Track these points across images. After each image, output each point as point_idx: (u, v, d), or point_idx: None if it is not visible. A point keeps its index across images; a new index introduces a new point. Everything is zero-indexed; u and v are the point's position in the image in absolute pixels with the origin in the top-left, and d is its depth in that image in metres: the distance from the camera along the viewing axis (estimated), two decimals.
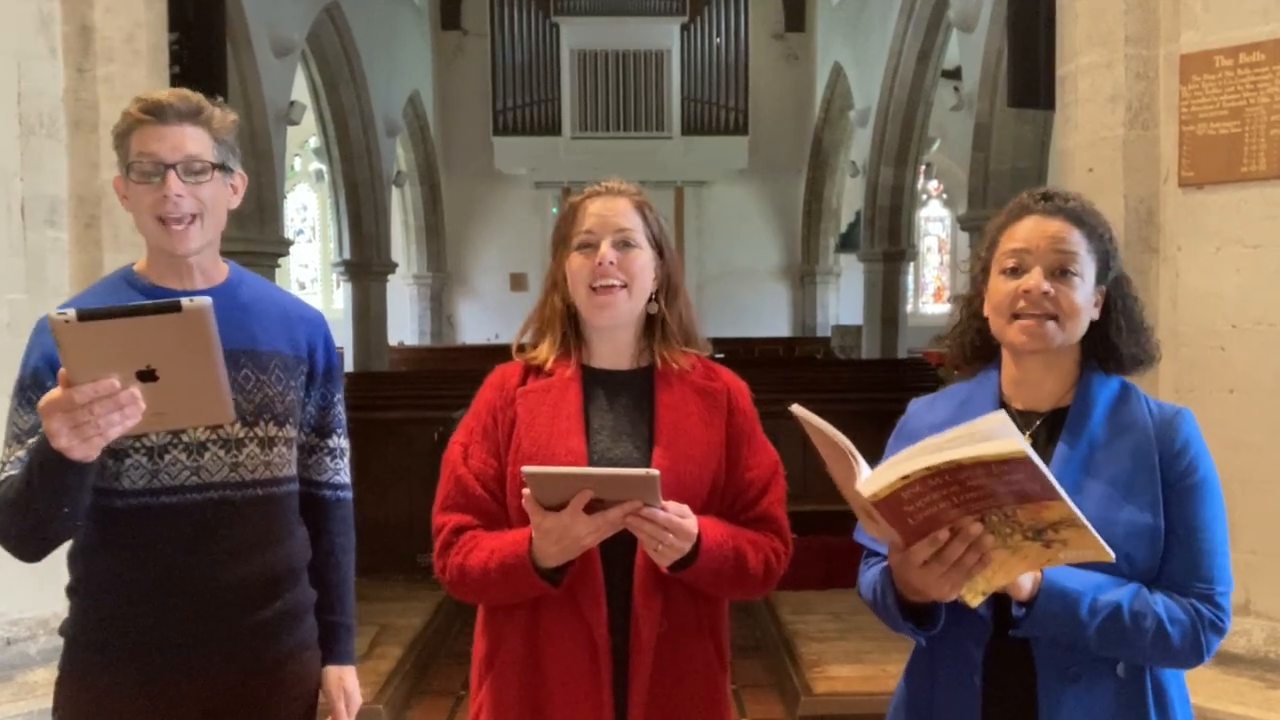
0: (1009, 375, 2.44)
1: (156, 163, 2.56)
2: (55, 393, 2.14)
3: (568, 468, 2.41)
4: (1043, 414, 2.39)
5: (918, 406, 2.60)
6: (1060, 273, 2.31)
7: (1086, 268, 2.32)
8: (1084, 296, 2.32)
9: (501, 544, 2.46)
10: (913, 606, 2.27)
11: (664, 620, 2.51)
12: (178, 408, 2.22)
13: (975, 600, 2.12)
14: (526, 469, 2.25)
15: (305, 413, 2.89)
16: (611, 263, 2.54)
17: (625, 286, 2.56)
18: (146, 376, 2.13)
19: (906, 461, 1.95)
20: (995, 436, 1.89)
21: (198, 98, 2.67)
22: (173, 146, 2.57)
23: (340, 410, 3.00)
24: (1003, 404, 2.42)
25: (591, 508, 2.27)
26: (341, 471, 3.01)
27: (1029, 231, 2.35)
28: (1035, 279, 2.30)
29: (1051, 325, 2.30)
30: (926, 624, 2.28)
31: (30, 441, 2.39)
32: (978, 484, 1.92)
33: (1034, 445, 2.28)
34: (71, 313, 2.05)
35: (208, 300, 2.10)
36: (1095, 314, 2.36)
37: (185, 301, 2.07)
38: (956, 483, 1.93)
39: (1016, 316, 2.32)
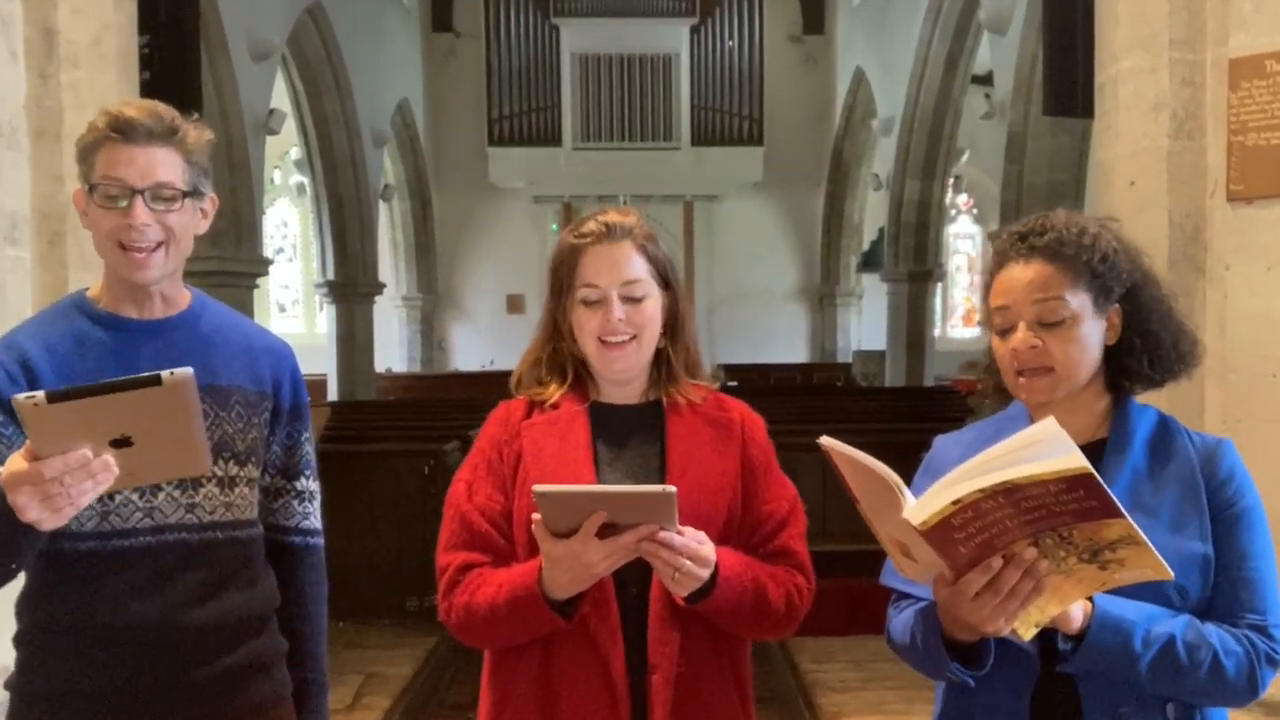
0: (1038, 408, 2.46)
1: (123, 187, 2.55)
2: (18, 465, 2.15)
3: (580, 486, 2.43)
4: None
5: (944, 441, 2.64)
6: (1044, 324, 2.34)
7: (1077, 305, 2.33)
8: (1080, 339, 2.33)
9: (510, 577, 2.47)
10: (960, 646, 2.26)
11: (682, 659, 2.51)
12: (152, 466, 2.27)
13: (1029, 633, 2.12)
14: (537, 488, 2.26)
15: (270, 453, 2.89)
16: (621, 319, 2.59)
17: (635, 338, 2.61)
18: (121, 443, 2.17)
19: (956, 485, 1.95)
20: (1051, 452, 1.88)
21: (171, 115, 2.64)
22: (142, 171, 2.56)
23: (309, 450, 2.99)
24: None
25: (604, 534, 2.29)
26: (311, 516, 3.00)
27: (1008, 285, 2.38)
28: (1019, 338, 2.34)
29: (1050, 378, 2.34)
30: (975, 664, 2.27)
31: None
32: (1033, 505, 1.92)
33: None
34: (40, 395, 2.07)
35: (188, 371, 2.12)
36: (1110, 338, 2.38)
37: (165, 375, 2.11)
38: (1011, 504, 1.92)
39: (1020, 373, 2.36)
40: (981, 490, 1.91)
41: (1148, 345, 2.38)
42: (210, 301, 2.88)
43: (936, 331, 21.67)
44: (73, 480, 2.14)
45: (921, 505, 1.99)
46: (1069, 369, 2.33)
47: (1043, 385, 2.34)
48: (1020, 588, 2.04)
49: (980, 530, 1.98)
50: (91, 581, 2.59)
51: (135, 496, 2.60)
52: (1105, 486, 1.90)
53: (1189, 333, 2.44)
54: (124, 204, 2.55)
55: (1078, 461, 1.86)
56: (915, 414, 13.10)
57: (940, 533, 1.99)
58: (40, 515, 2.17)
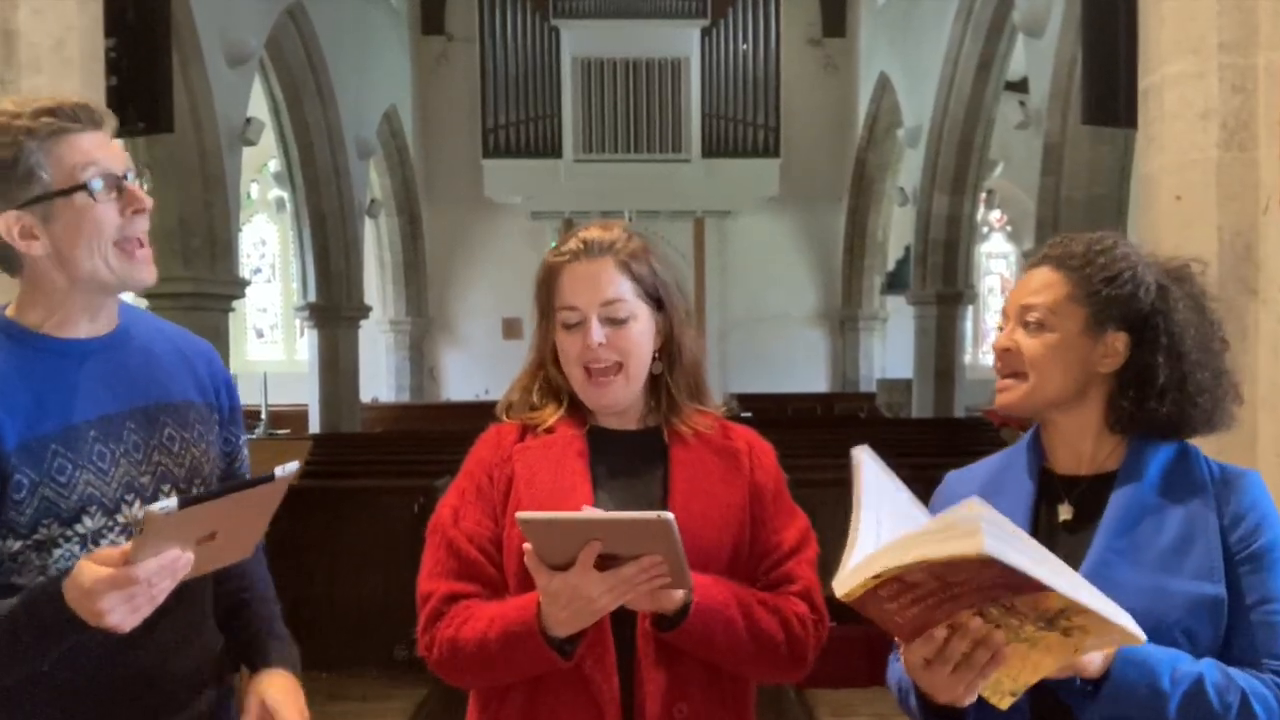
0: (1045, 437, 2.52)
1: (106, 174, 2.46)
2: (104, 572, 2.18)
3: (566, 513, 2.40)
4: (1085, 479, 2.45)
5: (953, 477, 2.68)
6: (1025, 324, 2.42)
7: (1066, 315, 2.39)
8: (1057, 346, 2.39)
9: (504, 611, 2.45)
10: (939, 709, 2.26)
11: (684, 701, 2.49)
12: (216, 556, 2.37)
13: (1004, 702, 2.14)
14: (521, 514, 2.26)
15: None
16: (601, 344, 2.58)
17: (621, 366, 2.61)
18: (206, 538, 2.27)
19: (877, 559, 1.98)
20: (962, 533, 1.89)
21: (90, 102, 2.52)
22: (117, 155, 2.49)
23: (245, 455, 2.91)
24: (1044, 469, 2.48)
25: (603, 565, 2.27)
26: None
27: (1014, 291, 2.48)
28: (998, 336, 2.45)
29: (1022, 385, 2.42)
30: None
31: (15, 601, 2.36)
32: (960, 579, 1.94)
33: (1077, 513, 2.41)
34: (172, 504, 2.12)
35: (295, 465, 2.34)
36: (1107, 365, 2.41)
37: (278, 470, 2.30)
38: (935, 579, 1.95)
39: (999, 374, 2.45)
40: (901, 566, 1.93)
41: (1140, 380, 2.39)
42: (132, 309, 2.80)
43: (967, 358, 21.65)
44: (158, 580, 2.19)
45: (846, 577, 2.03)
46: (1039, 375, 2.39)
47: (1013, 389, 2.42)
48: (975, 658, 2.06)
49: (914, 601, 2.01)
50: None
51: (122, 539, 2.51)
52: (1021, 566, 1.89)
53: (1217, 384, 2.42)
54: (109, 191, 2.46)
55: (976, 547, 1.86)
56: (944, 447, 13.05)
57: (868, 603, 2.02)
58: (123, 619, 2.21)
